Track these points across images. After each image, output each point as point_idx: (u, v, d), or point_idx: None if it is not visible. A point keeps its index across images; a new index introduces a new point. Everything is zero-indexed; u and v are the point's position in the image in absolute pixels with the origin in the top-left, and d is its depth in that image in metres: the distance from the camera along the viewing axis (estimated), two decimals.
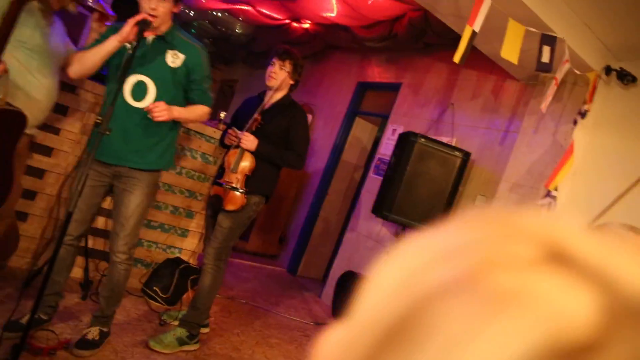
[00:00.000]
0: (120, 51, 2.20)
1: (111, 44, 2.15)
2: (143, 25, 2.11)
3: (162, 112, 2.22)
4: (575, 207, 3.05)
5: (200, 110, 2.46)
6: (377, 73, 5.57)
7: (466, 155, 3.54)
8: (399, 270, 0.21)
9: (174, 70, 2.31)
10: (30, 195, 2.94)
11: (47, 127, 2.92)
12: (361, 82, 5.69)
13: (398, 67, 5.24)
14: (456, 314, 0.18)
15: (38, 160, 2.93)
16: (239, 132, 2.69)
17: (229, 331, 3.27)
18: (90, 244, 3.14)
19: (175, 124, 2.43)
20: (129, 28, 2.09)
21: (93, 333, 2.44)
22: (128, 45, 2.20)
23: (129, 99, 2.26)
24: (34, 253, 2.95)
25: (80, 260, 3.17)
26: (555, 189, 3.01)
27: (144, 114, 2.25)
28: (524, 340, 0.17)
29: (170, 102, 2.29)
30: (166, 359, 2.60)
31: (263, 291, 4.39)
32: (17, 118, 2.00)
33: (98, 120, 1.95)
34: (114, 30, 2.23)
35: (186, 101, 2.44)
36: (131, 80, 2.24)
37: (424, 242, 0.22)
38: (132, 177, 2.35)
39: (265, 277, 4.93)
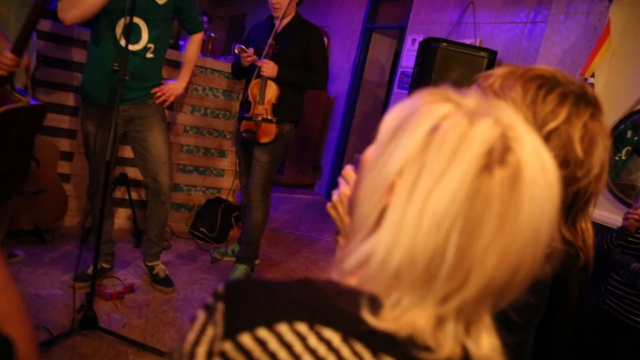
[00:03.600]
0: None
1: None
2: None
3: (170, 95, 2.42)
4: (614, 93, 2.91)
5: (196, 45, 2.58)
6: None
7: (492, 54, 3.38)
8: (395, 112, 0.50)
9: (162, 6, 2.28)
10: (68, 156, 3.03)
11: (74, 88, 2.94)
12: None
13: None
14: (414, 124, 0.47)
15: (71, 122, 2.99)
16: (257, 60, 2.64)
17: (278, 260, 3.41)
18: (134, 196, 3.26)
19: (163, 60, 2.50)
20: None
21: (161, 269, 2.65)
22: None
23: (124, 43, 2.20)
24: (84, 210, 3.08)
25: (127, 212, 3.30)
26: (592, 76, 2.86)
27: (142, 55, 2.28)
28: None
29: (161, 38, 2.34)
30: None
31: (304, 220, 4.51)
32: (42, 111, 1.96)
33: (115, 67, 1.93)
34: None
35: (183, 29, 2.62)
36: (122, 23, 2.17)
37: (404, 102, 0.51)
38: (143, 116, 2.38)
39: (305, 206, 5.03)
